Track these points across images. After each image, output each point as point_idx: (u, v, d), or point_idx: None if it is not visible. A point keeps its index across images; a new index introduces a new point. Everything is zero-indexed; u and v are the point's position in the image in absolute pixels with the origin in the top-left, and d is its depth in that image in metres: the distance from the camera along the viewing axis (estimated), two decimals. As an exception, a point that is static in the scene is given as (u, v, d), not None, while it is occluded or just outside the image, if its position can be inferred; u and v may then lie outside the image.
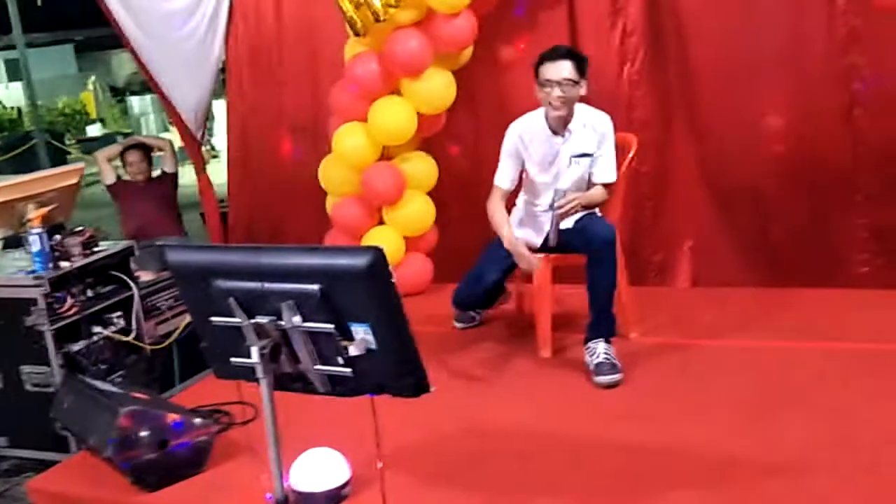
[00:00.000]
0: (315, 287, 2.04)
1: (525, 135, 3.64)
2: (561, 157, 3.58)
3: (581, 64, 3.48)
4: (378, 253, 2.01)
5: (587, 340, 3.50)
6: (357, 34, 4.24)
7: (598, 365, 3.41)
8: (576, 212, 3.52)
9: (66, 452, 3.56)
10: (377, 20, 4.11)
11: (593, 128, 3.56)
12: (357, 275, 2.01)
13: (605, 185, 3.61)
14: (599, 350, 3.44)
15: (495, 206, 3.69)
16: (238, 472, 2.92)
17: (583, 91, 3.51)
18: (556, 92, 3.45)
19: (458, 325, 4.20)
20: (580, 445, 2.94)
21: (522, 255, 3.55)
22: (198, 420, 2.97)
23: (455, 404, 3.20)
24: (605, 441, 2.96)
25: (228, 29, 5.15)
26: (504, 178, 3.73)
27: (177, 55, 5.02)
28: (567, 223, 3.63)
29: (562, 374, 3.53)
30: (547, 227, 3.63)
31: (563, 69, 3.44)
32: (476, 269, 3.80)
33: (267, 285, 2.11)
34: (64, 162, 15.88)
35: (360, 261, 2.01)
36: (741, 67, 4.18)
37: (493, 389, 3.49)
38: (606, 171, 3.59)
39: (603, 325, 3.49)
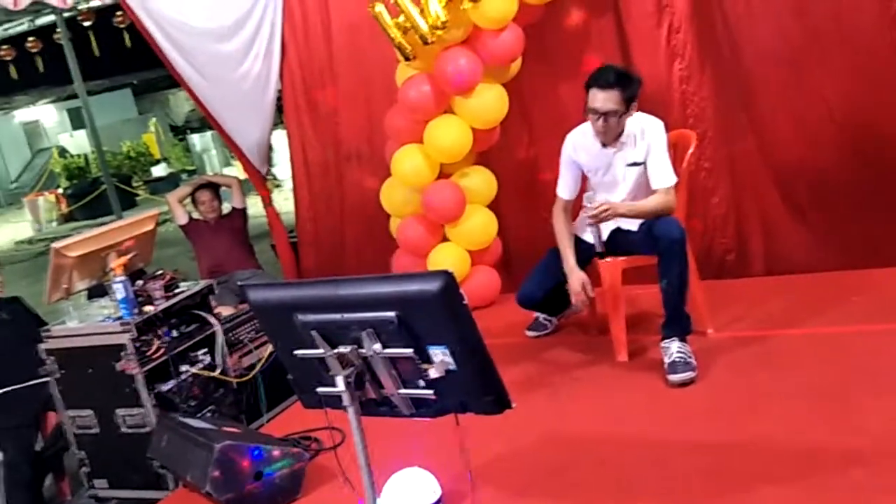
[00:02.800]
0: (392, 314, 2.10)
1: (578, 147, 3.69)
2: (615, 166, 3.60)
3: (629, 91, 3.45)
4: (448, 277, 2.06)
5: (662, 340, 3.51)
6: (407, 59, 4.33)
7: (671, 364, 3.41)
8: (611, 218, 3.53)
9: (164, 490, 3.70)
10: (425, 43, 4.19)
11: (643, 135, 3.56)
12: (431, 299, 2.07)
13: (667, 190, 3.58)
14: (673, 349, 3.45)
15: (558, 220, 3.76)
16: (332, 496, 3.02)
17: (632, 113, 3.50)
18: (600, 122, 3.48)
19: (530, 333, 4.24)
20: (661, 447, 2.95)
21: (574, 291, 3.63)
22: (289, 448, 3.06)
23: (535, 415, 3.24)
24: (686, 441, 2.97)
25: (282, 64, 5.29)
26: (563, 188, 3.79)
27: (234, 95, 5.18)
28: (632, 225, 3.65)
29: (640, 376, 3.54)
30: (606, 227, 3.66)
31: (608, 100, 3.44)
32: (536, 272, 3.88)
33: (346, 316, 2.18)
34: (133, 204, 16.41)
35: (433, 285, 2.07)
36: (793, 50, 4.14)
37: (570, 397, 3.52)
38: (661, 175, 3.57)
39: (676, 323, 3.50)
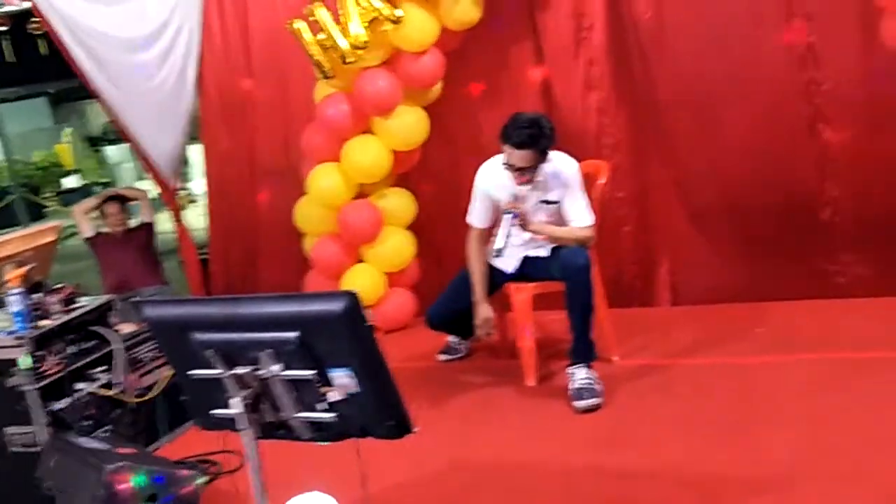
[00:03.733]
0: (293, 335, 2.05)
1: (492, 182, 3.69)
2: (529, 202, 3.61)
3: (542, 145, 3.45)
4: (352, 297, 2.02)
5: (568, 366, 3.52)
6: (326, 77, 4.29)
7: (577, 390, 3.44)
8: (524, 225, 3.53)
9: (54, 513, 3.54)
10: (345, 62, 4.16)
11: (557, 175, 3.58)
12: (333, 320, 2.03)
13: (586, 227, 3.61)
14: (579, 375, 3.48)
15: (471, 251, 3.77)
16: (227, 522, 2.92)
17: (547, 164, 3.52)
18: (516, 174, 3.49)
19: (441, 357, 4.22)
20: (567, 474, 2.96)
21: (477, 324, 3.68)
22: (184, 472, 2.96)
23: (441, 439, 3.22)
24: (592, 467, 2.98)
25: (199, 76, 5.18)
26: (476, 217, 3.80)
27: (148, 105, 5.04)
28: (542, 252, 3.67)
29: (548, 402, 3.55)
30: (518, 254, 3.66)
31: (523, 159, 3.45)
32: (445, 294, 3.90)
33: (245, 335, 2.12)
34: (42, 216, 15.84)
35: (336, 305, 2.03)
36: (706, 88, 4.24)
37: (479, 422, 3.51)
38: (579, 216, 3.60)
39: (582, 350, 3.52)
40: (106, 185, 18.27)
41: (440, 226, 4.86)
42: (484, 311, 3.69)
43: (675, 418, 3.25)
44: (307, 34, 4.22)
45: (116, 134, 21.51)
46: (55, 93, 23.75)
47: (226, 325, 2.15)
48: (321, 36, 4.18)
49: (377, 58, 4.26)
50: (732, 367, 3.64)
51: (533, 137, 3.43)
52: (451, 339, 4.24)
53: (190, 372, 2.19)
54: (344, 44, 4.12)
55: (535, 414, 3.48)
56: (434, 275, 4.85)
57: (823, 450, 2.85)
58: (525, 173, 3.48)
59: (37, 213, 15.32)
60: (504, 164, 3.51)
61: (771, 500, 2.61)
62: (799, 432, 2.98)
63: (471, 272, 3.75)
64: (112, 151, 19.54)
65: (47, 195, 17.45)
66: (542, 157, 3.47)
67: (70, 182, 19.09)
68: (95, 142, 23.12)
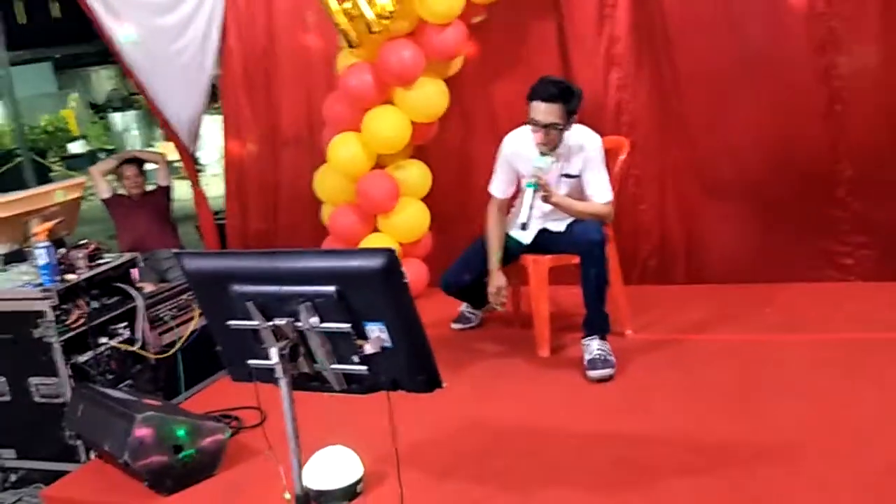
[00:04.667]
0: (331, 289, 2.10)
1: (516, 153, 3.73)
2: (550, 176, 3.64)
3: (571, 104, 3.49)
4: (391, 254, 2.09)
5: (583, 337, 3.60)
6: (351, 46, 4.33)
7: (591, 360, 3.51)
8: (548, 196, 3.53)
9: (75, 462, 3.62)
10: (370, 32, 4.21)
11: (581, 148, 3.62)
12: (372, 276, 2.09)
13: (605, 204, 3.66)
14: (593, 346, 3.55)
15: (491, 219, 3.82)
16: (251, 474, 3.01)
17: (572, 126, 3.56)
18: (540, 133, 3.52)
19: (455, 326, 4.30)
20: (580, 437, 3.04)
21: (490, 292, 3.73)
22: (210, 424, 3.04)
23: (458, 403, 3.28)
24: (603, 433, 3.06)
25: (222, 43, 5.22)
26: (497, 186, 3.85)
27: (170, 70, 5.08)
28: (559, 225, 3.74)
29: (561, 371, 3.63)
30: (536, 226, 3.73)
31: (550, 114, 3.47)
32: (461, 260, 3.96)
33: (284, 288, 2.18)
34: (48, 179, 15.85)
35: (375, 262, 2.08)
36: (726, 69, 4.29)
37: (493, 388, 3.58)
38: (599, 191, 3.65)
39: (596, 322, 3.60)
40: (111, 151, 18.27)
41: (454, 199, 4.91)
42: (498, 279, 3.75)
43: (684, 390, 3.33)
44: (333, 3, 4.25)
45: (121, 102, 21.62)
46: (60, 58, 23.70)
47: (265, 278, 2.21)
48: (347, 5, 4.21)
49: (402, 28, 4.30)
50: (742, 343, 3.72)
51: (562, 92, 3.48)
52: (464, 308, 4.31)
53: (230, 322, 2.26)
54: (370, 13, 4.16)
55: (549, 382, 3.56)
56: (446, 247, 4.91)
57: (826, 423, 2.93)
58: (550, 132, 3.50)
59: (43, 177, 15.35)
60: (529, 123, 3.53)
61: (775, 466, 2.69)
62: (803, 406, 3.06)
63: (488, 241, 3.80)
64: (118, 118, 19.53)
65: (53, 160, 17.46)
66: (568, 117, 3.50)
67: (76, 147, 19.10)
68: (100, 109, 23.09)
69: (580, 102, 3.56)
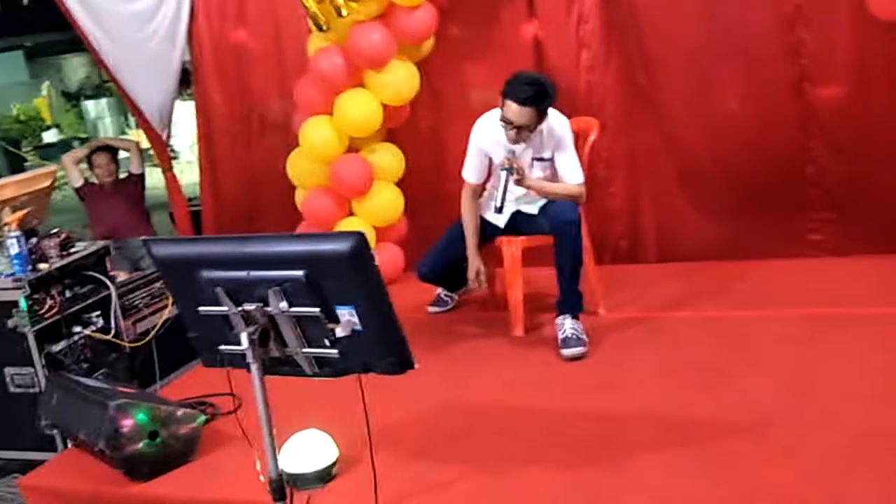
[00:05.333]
0: (300, 273, 2.11)
1: (487, 138, 3.74)
2: (522, 159, 3.65)
3: (545, 105, 3.49)
4: (360, 237, 2.09)
5: (556, 316, 3.63)
6: (320, 29, 4.32)
7: (564, 339, 3.55)
8: (521, 179, 3.55)
9: (52, 451, 3.62)
10: (339, 15, 4.20)
11: (551, 132, 3.63)
12: (341, 259, 2.09)
13: (578, 185, 3.68)
14: (566, 325, 3.58)
15: (465, 205, 3.85)
16: (227, 459, 3.01)
17: (543, 124, 3.56)
18: (512, 133, 3.52)
19: (431, 309, 4.32)
20: (554, 416, 3.08)
21: (470, 277, 3.79)
22: (185, 411, 3.05)
23: (433, 384, 3.31)
24: (577, 410, 3.10)
25: (191, 28, 5.19)
26: (469, 172, 3.86)
27: (139, 56, 5.04)
28: (533, 208, 3.76)
29: (535, 350, 3.67)
30: (510, 209, 3.74)
31: (523, 115, 3.46)
32: (437, 247, 4.00)
33: (253, 273, 2.18)
34: (22, 169, 15.71)
35: (344, 245, 2.09)
36: (696, 49, 4.32)
37: (468, 368, 3.61)
38: (571, 173, 3.67)
39: (569, 301, 3.62)
40: (85, 139, 18.12)
41: (427, 182, 4.92)
42: (477, 263, 3.79)
43: (657, 367, 3.37)
44: (301, -14, 4.25)
45: (94, 90, 21.38)
46: (31, 46, 23.40)
47: (234, 263, 2.21)
48: (315, -12, 4.21)
49: (372, 11, 4.29)
50: (713, 320, 3.77)
51: (537, 95, 3.46)
52: (440, 291, 4.34)
53: (200, 309, 2.26)
54: (338, -4, 4.16)
55: (523, 361, 3.59)
56: (421, 231, 4.93)
57: (797, 397, 2.98)
58: (521, 132, 3.53)
59: (17, 167, 15.21)
60: (501, 119, 3.54)
61: (747, 441, 2.73)
62: (775, 381, 3.11)
63: (465, 226, 3.83)
64: (91, 106, 19.34)
65: (27, 150, 17.28)
66: (540, 116, 3.52)
67: (49, 136, 18.92)
68: (73, 97, 22.84)
69: (554, 99, 3.53)
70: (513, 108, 3.47)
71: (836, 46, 4.09)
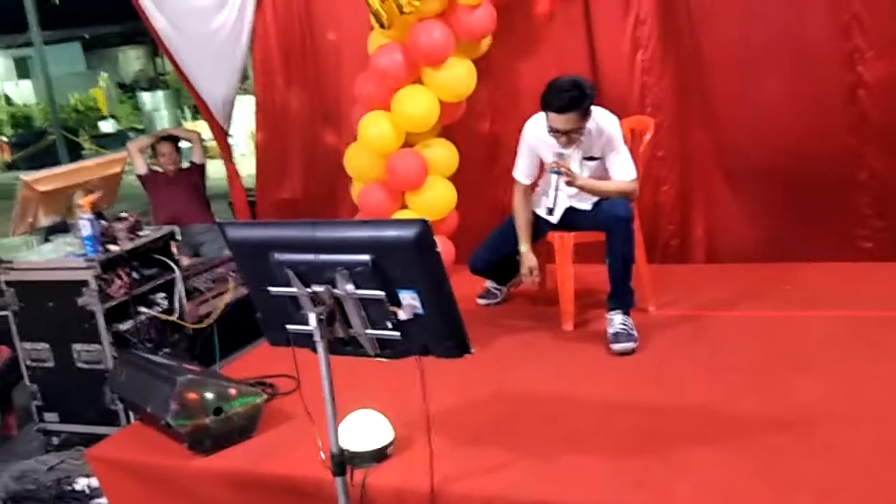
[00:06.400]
0: (366, 257, 2.21)
1: (537, 139, 3.81)
2: (572, 160, 3.72)
3: (585, 106, 3.53)
4: (425, 224, 2.19)
5: (607, 311, 3.70)
6: (382, 26, 4.43)
7: (615, 334, 3.61)
8: (571, 181, 3.62)
9: (115, 426, 3.78)
10: (401, 12, 4.31)
11: (600, 132, 3.68)
12: (406, 245, 2.19)
13: (630, 181, 3.72)
14: (617, 321, 3.65)
15: (517, 203, 3.93)
16: (285, 437, 3.13)
17: (589, 123, 3.61)
18: (564, 139, 3.60)
19: (481, 301, 4.41)
20: (603, 406, 3.15)
21: (523, 273, 3.87)
22: (247, 388, 3.18)
23: (484, 372, 3.39)
24: (625, 403, 3.16)
25: (255, 22, 5.33)
26: (520, 172, 3.95)
27: (206, 49, 5.20)
28: (586, 204, 3.83)
29: (584, 344, 3.73)
30: (563, 205, 3.81)
31: (567, 122, 3.53)
32: (489, 240, 4.09)
33: (321, 256, 2.30)
34: (81, 157, 16.12)
35: (409, 232, 2.19)
36: (750, 52, 4.35)
37: (519, 358, 3.69)
38: (623, 170, 3.72)
39: (620, 297, 3.69)
40: (141, 131, 18.53)
41: (479, 178, 5.01)
42: (530, 260, 3.87)
43: (704, 364, 3.42)
44: (366, -17, 4.36)
45: (149, 82, 21.80)
46: (89, 38, 23.96)
47: (304, 246, 2.32)
48: (379, -15, 4.32)
49: (433, 9, 4.39)
50: (760, 319, 3.81)
51: (574, 100, 3.51)
52: (489, 284, 4.42)
53: (270, 289, 2.38)
54: (401, -6, 4.26)
55: (572, 354, 3.66)
56: (471, 225, 5.02)
57: (843, 396, 3.02)
58: (571, 136, 3.59)
59: (74, 156, 15.59)
60: (549, 130, 3.61)
61: (791, 436, 2.78)
62: (820, 380, 3.15)
63: (517, 223, 3.91)
64: (147, 98, 19.74)
65: (84, 139, 17.72)
66: (584, 117, 3.57)
67: (106, 126, 19.36)
68: (128, 89, 23.34)
69: (593, 96, 3.59)
70: (556, 118, 3.55)
71: (891, 54, 4.10)
